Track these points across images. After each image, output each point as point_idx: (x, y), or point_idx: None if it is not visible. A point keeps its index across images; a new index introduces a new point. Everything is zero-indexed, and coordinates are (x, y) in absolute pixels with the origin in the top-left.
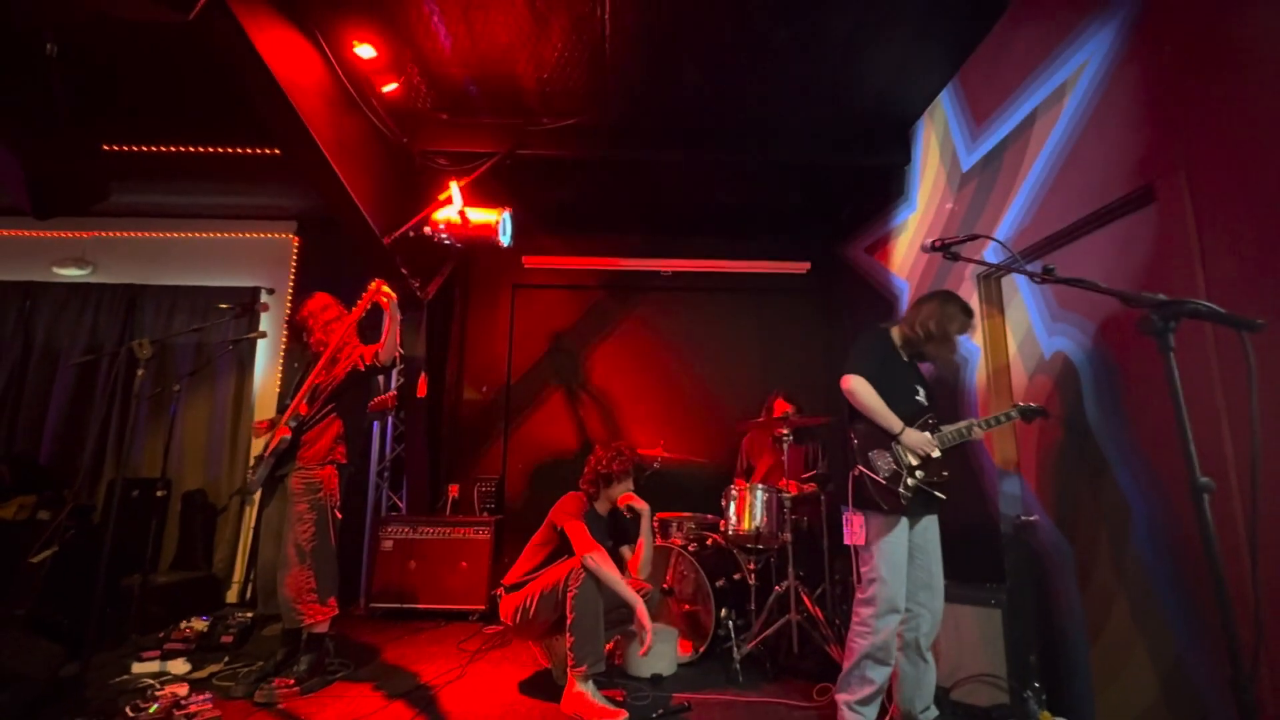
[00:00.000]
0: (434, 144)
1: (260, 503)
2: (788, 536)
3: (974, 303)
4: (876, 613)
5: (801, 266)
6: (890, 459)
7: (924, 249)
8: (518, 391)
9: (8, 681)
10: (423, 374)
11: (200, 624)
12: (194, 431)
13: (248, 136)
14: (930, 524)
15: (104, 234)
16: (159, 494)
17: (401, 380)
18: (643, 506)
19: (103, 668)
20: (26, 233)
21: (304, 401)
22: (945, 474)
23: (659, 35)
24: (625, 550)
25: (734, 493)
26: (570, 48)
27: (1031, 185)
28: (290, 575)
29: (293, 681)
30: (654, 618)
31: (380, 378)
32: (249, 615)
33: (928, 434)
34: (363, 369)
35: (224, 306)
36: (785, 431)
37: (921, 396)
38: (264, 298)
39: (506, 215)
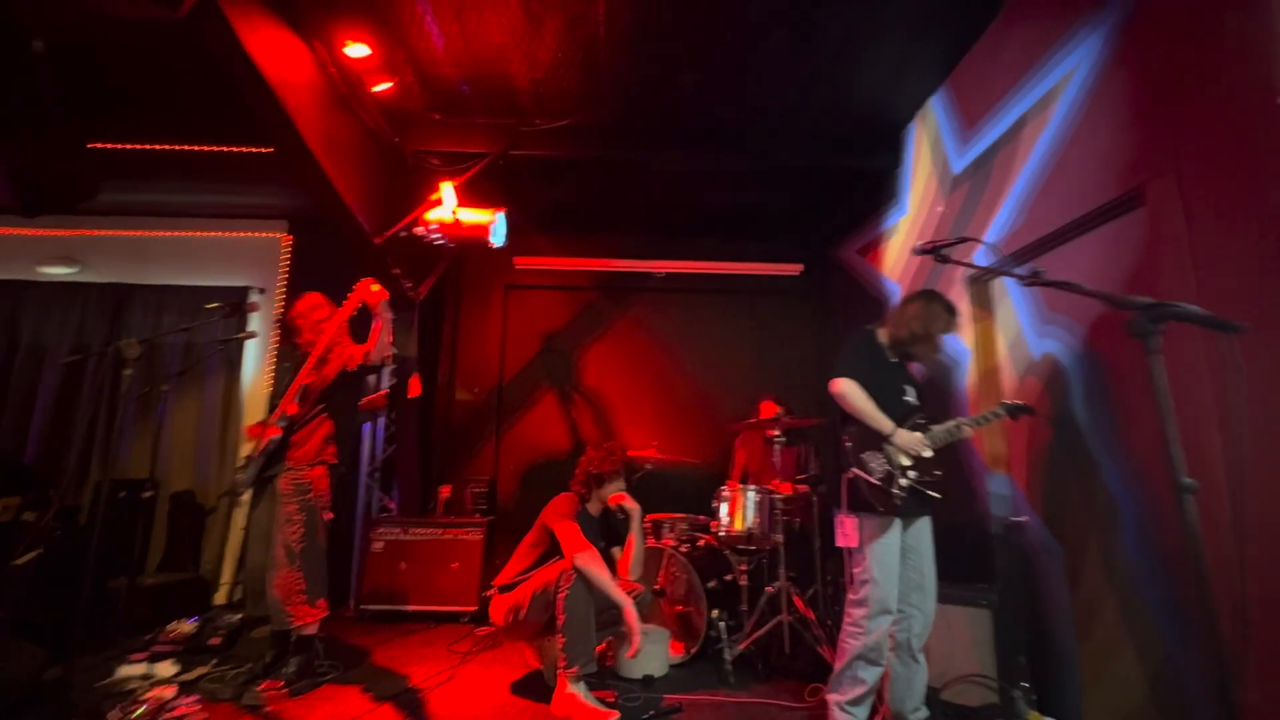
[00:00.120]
0: (426, 144)
1: (251, 504)
2: (779, 538)
3: (964, 305)
4: (869, 614)
5: (794, 268)
6: (883, 460)
7: (914, 252)
8: (510, 392)
9: None
10: (415, 374)
11: (188, 626)
12: (182, 432)
13: (238, 135)
14: (923, 525)
15: (92, 232)
16: (146, 495)
17: (394, 381)
18: (633, 507)
19: (88, 671)
20: (13, 231)
21: (293, 401)
22: (938, 473)
23: (654, 37)
24: (617, 551)
25: (726, 494)
26: (564, 49)
27: (1021, 188)
28: (279, 576)
29: (281, 683)
30: (646, 619)
31: (372, 378)
32: (237, 617)
33: (919, 434)
34: (353, 369)
35: (213, 306)
36: (777, 433)
37: (910, 396)
38: (254, 297)
39: (501, 216)
